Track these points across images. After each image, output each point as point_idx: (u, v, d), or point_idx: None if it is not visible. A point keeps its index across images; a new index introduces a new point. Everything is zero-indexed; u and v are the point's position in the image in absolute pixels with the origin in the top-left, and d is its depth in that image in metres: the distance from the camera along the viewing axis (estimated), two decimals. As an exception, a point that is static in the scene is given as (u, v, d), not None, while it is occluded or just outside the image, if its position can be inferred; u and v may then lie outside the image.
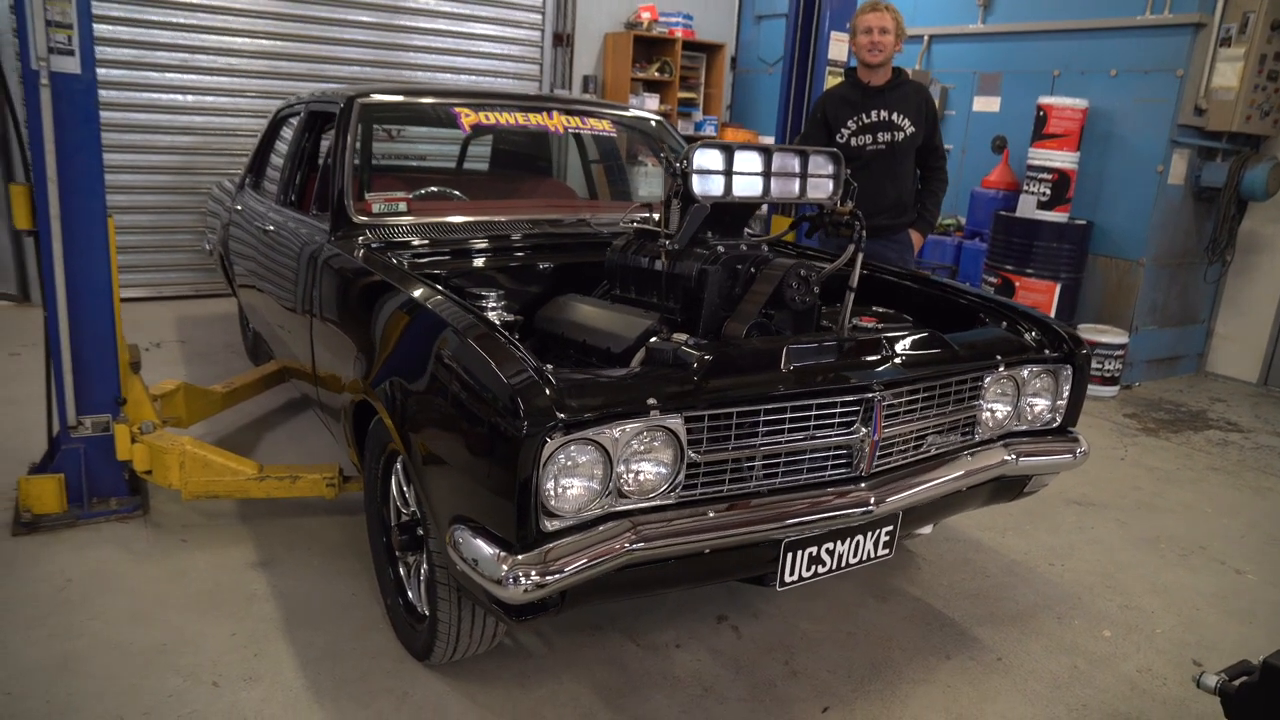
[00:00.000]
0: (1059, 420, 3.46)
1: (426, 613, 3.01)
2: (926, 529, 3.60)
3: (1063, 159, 6.96)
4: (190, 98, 8.05)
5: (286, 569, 3.71)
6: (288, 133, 5.15)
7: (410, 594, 3.15)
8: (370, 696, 2.93)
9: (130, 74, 7.77)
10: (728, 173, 2.97)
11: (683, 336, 2.85)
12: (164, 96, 7.95)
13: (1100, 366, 6.92)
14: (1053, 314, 7.16)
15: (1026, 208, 7.17)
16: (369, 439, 3.23)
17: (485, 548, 2.33)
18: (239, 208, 5.43)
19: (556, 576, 2.28)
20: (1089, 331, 7.01)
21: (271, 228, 4.59)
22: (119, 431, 4.04)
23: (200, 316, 7.68)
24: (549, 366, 2.40)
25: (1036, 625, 3.65)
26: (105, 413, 4.09)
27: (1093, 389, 7.07)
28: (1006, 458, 3.24)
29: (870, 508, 2.80)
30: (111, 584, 3.52)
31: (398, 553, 3.16)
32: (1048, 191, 7.01)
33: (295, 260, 4.06)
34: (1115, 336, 6.96)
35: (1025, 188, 7.18)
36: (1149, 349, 7.43)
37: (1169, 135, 6.84)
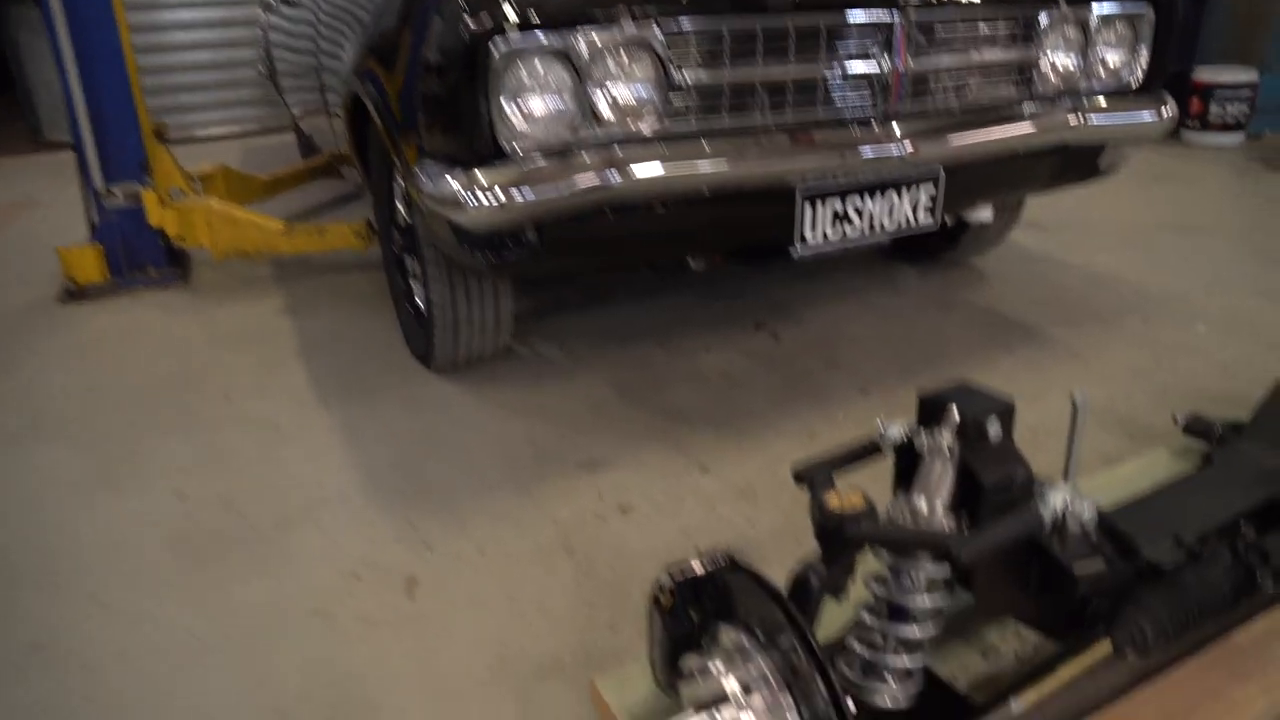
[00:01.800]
0: (1139, 82, 2.96)
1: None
2: (985, 213, 3.19)
3: None
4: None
5: (313, 312, 3.64)
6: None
7: (417, 299, 3.00)
8: (376, 400, 2.83)
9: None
10: None
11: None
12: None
13: (1222, 111, 6.14)
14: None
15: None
16: (370, 147, 3.03)
17: (446, 174, 2.11)
18: (273, 19, 5.32)
19: (519, 196, 2.05)
20: (1209, 72, 6.20)
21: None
22: (148, 198, 3.98)
23: (265, 146, 7.64)
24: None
25: (1120, 325, 3.25)
26: (133, 180, 4.03)
27: (1212, 137, 6.31)
28: (1072, 116, 2.80)
29: (900, 146, 2.44)
30: (144, 333, 3.54)
31: (401, 254, 3.00)
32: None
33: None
34: (1242, 74, 6.13)
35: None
36: (1282, 93, 6.53)
37: None
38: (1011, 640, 1.58)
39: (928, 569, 1.26)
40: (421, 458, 2.49)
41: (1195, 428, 2.08)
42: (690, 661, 1.26)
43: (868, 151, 2.42)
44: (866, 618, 1.32)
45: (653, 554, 2.03)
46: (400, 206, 2.91)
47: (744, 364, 2.97)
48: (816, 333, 3.22)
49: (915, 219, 2.65)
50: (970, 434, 1.27)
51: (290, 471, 2.45)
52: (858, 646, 1.32)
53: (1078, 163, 3.01)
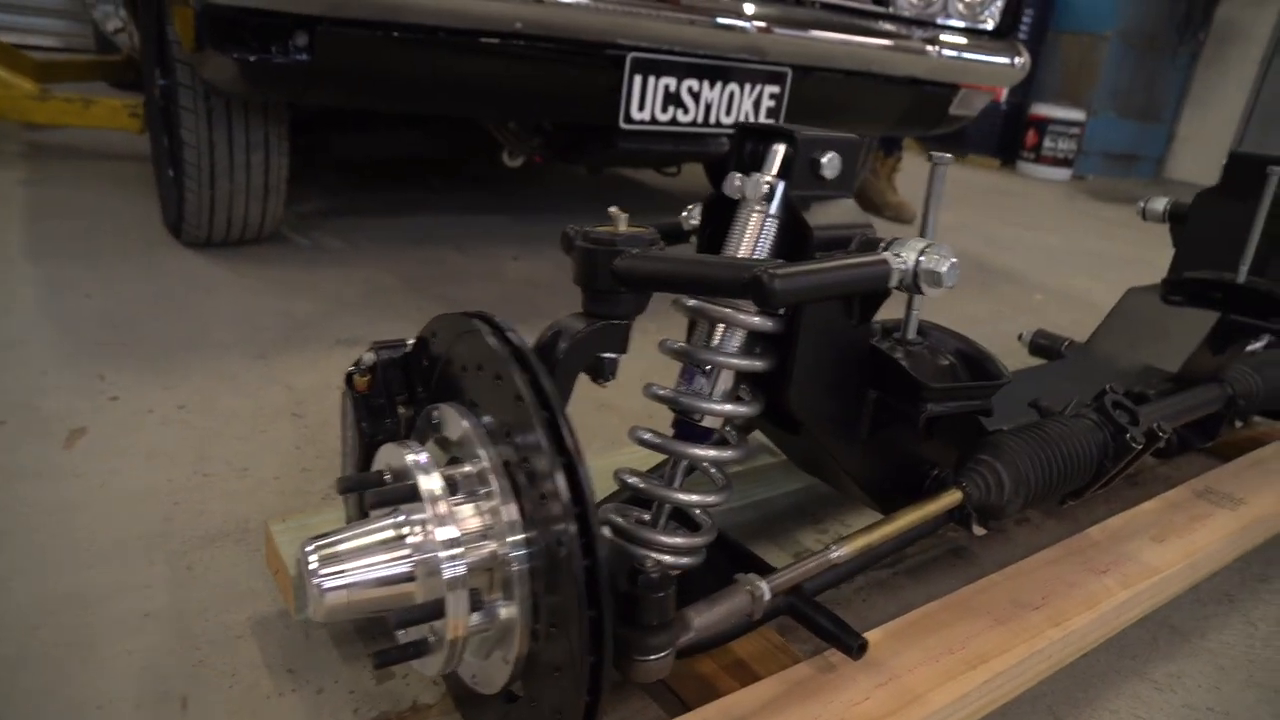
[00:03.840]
0: (995, 21, 2.84)
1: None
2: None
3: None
4: None
5: (58, 186, 3.04)
6: None
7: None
8: (103, 264, 2.32)
9: None
10: None
11: None
12: None
13: (1054, 145, 6.35)
14: (1005, 90, 6.55)
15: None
16: None
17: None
18: None
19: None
20: (1044, 108, 6.41)
21: None
22: None
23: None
24: None
25: (959, 288, 3.10)
26: None
27: (1044, 170, 6.52)
28: (930, 47, 2.63)
29: (751, 24, 2.17)
30: None
31: (163, 102, 2.50)
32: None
33: None
34: (1072, 113, 6.38)
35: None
36: (1107, 139, 6.86)
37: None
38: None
39: (731, 355, 0.93)
40: (141, 316, 2.00)
41: (1041, 342, 1.87)
42: (385, 454, 0.88)
43: (717, 20, 2.14)
44: (644, 434, 0.98)
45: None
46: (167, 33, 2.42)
47: (552, 273, 2.62)
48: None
49: (755, 117, 2.39)
50: (799, 173, 0.96)
51: (-42, 317, 1.92)
52: (629, 478, 0.98)
53: (928, 105, 2.86)
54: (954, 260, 0.89)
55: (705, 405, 0.96)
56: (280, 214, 2.50)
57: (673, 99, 2.24)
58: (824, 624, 0.94)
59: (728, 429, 1.03)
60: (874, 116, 2.84)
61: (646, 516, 0.99)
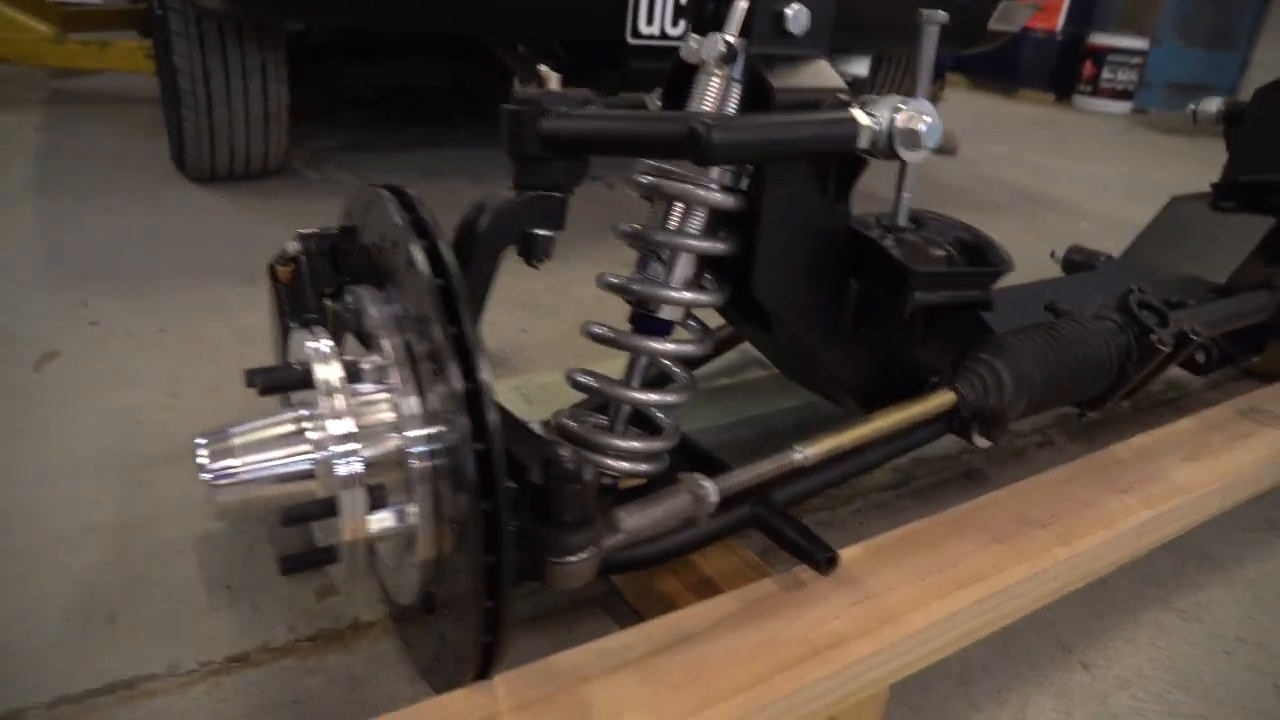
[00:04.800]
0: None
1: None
2: (860, 66, 2.84)
3: None
4: None
5: (74, 129, 3.02)
6: None
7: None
8: (108, 199, 2.28)
9: None
10: None
11: None
12: None
13: (1113, 77, 6.03)
14: (1061, 18, 6.24)
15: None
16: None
17: None
18: None
19: None
20: (1104, 38, 6.07)
21: None
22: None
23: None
24: None
25: (1008, 213, 2.94)
26: None
27: (1102, 103, 6.19)
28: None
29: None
30: None
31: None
32: None
33: None
34: (1134, 41, 6.03)
35: None
36: (1172, 69, 6.48)
37: None
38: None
39: (689, 238, 0.83)
40: (135, 247, 1.95)
41: (1076, 258, 1.72)
42: (296, 344, 0.80)
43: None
44: (597, 329, 0.89)
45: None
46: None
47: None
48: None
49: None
50: (760, 29, 0.84)
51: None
52: (581, 376, 0.89)
53: (965, 19, 2.67)
54: (934, 118, 0.77)
55: (662, 293, 0.86)
56: (283, 145, 2.43)
57: (683, 11, 2.11)
58: (790, 535, 0.84)
59: (691, 322, 0.93)
60: (906, 32, 2.67)
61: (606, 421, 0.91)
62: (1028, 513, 1.01)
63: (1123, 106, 6.16)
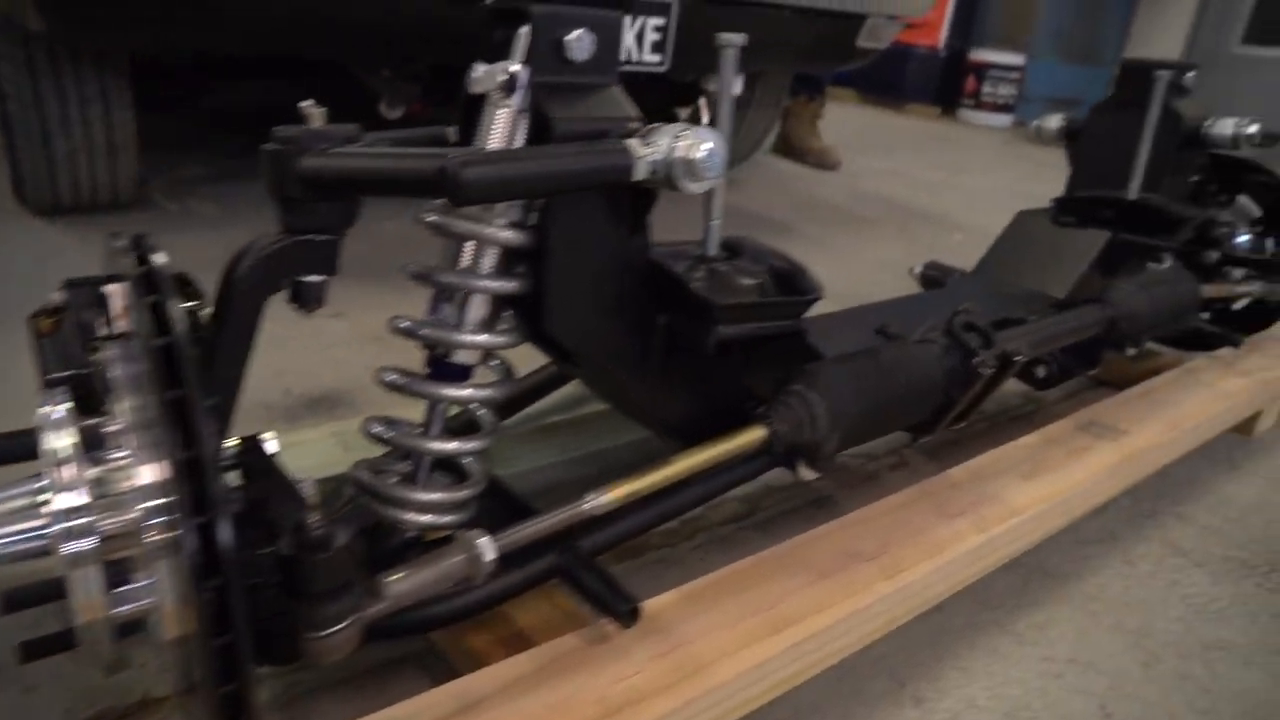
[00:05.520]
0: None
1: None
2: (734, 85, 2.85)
3: None
4: None
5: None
6: None
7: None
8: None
9: None
10: None
11: None
12: None
13: (994, 91, 6.23)
14: (943, 35, 6.43)
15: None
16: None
17: None
18: None
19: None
20: (983, 53, 6.28)
21: None
22: None
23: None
24: None
25: (877, 228, 2.98)
26: None
27: (985, 116, 6.40)
28: (829, -26, 2.48)
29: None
30: None
31: None
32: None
33: None
34: (1012, 57, 6.25)
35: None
36: (1048, 83, 6.73)
37: None
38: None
39: (477, 278, 0.79)
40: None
41: (931, 274, 1.74)
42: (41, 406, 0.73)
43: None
44: (390, 376, 0.83)
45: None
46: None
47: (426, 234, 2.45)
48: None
49: (639, 54, 2.23)
50: (540, 57, 0.81)
51: None
52: (375, 427, 0.83)
53: (835, 37, 2.71)
54: (715, 145, 0.74)
55: (453, 337, 0.82)
56: (134, 175, 2.31)
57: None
58: (591, 585, 0.80)
59: (494, 363, 0.89)
60: (776, 51, 2.69)
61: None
62: (857, 545, 0.99)
63: (1004, 120, 6.37)
